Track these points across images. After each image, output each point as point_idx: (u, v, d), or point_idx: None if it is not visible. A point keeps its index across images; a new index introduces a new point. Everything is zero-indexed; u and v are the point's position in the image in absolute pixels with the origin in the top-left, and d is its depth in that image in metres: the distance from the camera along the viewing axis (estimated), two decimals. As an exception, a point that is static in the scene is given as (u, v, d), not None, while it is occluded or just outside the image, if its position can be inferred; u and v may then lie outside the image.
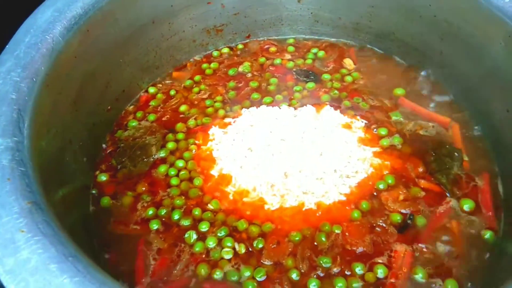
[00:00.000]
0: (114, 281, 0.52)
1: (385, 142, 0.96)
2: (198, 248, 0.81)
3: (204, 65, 1.20)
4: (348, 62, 1.16)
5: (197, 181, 0.92)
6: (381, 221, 0.84)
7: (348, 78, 1.12)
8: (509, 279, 0.57)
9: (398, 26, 1.11)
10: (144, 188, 0.92)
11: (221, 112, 1.06)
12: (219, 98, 1.10)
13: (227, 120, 1.04)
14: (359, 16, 1.17)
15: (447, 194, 0.87)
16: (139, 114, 1.07)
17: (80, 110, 0.91)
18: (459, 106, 1.02)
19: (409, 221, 0.83)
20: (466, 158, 0.92)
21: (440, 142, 0.95)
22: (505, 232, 0.82)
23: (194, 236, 0.83)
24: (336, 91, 1.09)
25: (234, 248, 0.82)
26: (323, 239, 0.81)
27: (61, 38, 0.83)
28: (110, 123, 1.05)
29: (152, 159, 0.97)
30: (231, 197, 0.89)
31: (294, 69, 1.16)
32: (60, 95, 0.83)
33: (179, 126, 1.03)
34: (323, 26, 1.23)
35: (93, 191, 0.93)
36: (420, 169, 0.91)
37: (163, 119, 1.07)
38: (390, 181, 0.89)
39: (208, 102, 1.09)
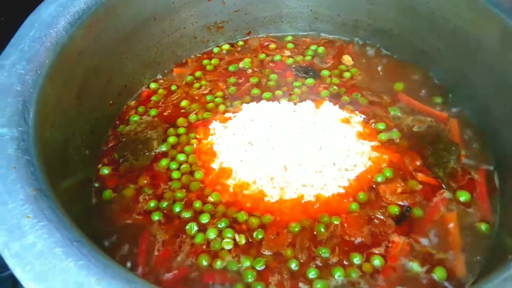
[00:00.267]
0: (118, 264, 0.53)
1: (383, 136, 0.97)
2: (198, 239, 0.83)
3: (205, 61, 1.21)
4: (347, 59, 1.17)
5: (198, 175, 0.94)
6: (379, 213, 0.85)
7: (347, 74, 1.13)
8: (503, 270, 0.57)
9: (396, 23, 1.12)
10: (145, 181, 0.93)
11: (222, 107, 1.07)
12: (219, 93, 1.12)
13: (227, 115, 1.05)
14: (358, 13, 1.18)
15: (444, 187, 0.88)
16: (140, 109, 1.09)
17: (83, 104, 0.92)
18: (456, 101, 1.04)
19: (406, 213, 0.84)
20: (463, 153, 0.94)
21: (437, 136, 0.96)
22: (500, 225, 0.83)
23: (195, 228, 0.85)
24: (335, 87, 1.10)
25: (234, 239, 0.83)
26: (322, 230, 0.83)
27: (64, 32, 0.85)
28: (112, 117, 1.07)
29: (153, 153, 0.99)
30: (231, 189, 0.91)
31: (293, 66, 1.17)
32: (63, 88, 0.84)
33: (180, 120, 1.05)
34: (322, 23, 1.24)
35: (96, 184, 0.94)
36: (418, 163, 0.92)
37: (164, 114, 1.08)
38: (388, 174, 0.90)
39: (208, 98, 1.10)
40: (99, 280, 0.50)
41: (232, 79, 1.15)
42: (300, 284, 0.77)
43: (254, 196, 0.89)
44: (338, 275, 0.77)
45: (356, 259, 0.79)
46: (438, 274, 0.76)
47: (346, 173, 0.91)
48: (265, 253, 0.81)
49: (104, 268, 0.51)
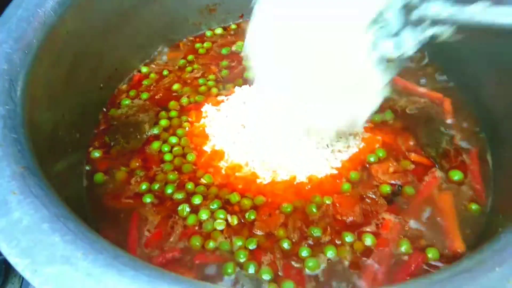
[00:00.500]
0: (105, 240, 0.53)
1: (377, 117, 0.96)
2: (191, 220, 0.82)
3: (197, 45, 1.20)
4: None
5: (190, 157, 0.93)
6: (371, 192, 0.85)
7: None
8: (494, 242, 0.57)
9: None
10: (137, 164, 0.93)
11: (214, 90, 1.07)
12: (212, 76, 1.11)
13: (220, 98, 1.04)
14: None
15: (436, 166, 0.88)
16: (132, 93, 1.08)
17: (73, 86, 0.91)
18: (450, 81, 1.03)
19: (397, 191, 0.84)
20: (456, 133, 0.93)
21: (431, 117, 0.96)
22: (492, 203, 0.83)
23: (187, 209, 0.84)
24: None
25: (226, 220, 0.82)
26: (314, 210, 0.82)
27: (53, 12, 0.83)
28: (103, 101, 1.06)
29: (145, 136, 0.98)
30: (223, 171, 0.90)
31: None
32: (52, 69, 0.83)
33: (172, 104, 1.04)
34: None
35: (87, 167, 0.93)
36: (411, 143, 0.92)
37: (156, 97, 1.07)
38: (381, 154, 0.90)
39: (201, 81, 1.10)
40: (86, 254, 0.49)
41: (224, 62, 1.14)
42: (293, 263, 0.77)
43: (246, 178, 0.89)
44: (331, 253, 0.77)
45: (348, 238, 0.78)
46: (431, 254, 0.76)
47: (339, 154, 0.90)
48: (258, 233, 0.81)
49: (91, 243, 0.51)
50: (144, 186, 0.89)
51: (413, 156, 0.90)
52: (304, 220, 0.82)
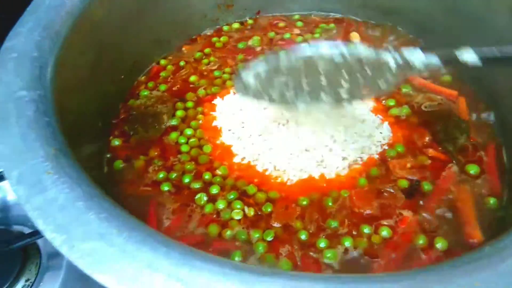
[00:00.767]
0: (138, 219, 0.54)
1: (394, 111, 0.98)
2: (208, 209, 0.84)
3: (214, 39, 1.22)
4: (355, 36, 1.18)
5: (206, 149, 0.94)
6: (389, 187, 0.86)
7: None
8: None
9: (405, 2, 1.13)
10: (156, 153, 0.95)
11: (229, 83, 1.08)
12: (228, 69, 1.12)
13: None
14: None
15: (453, 162, 0.89)
16: (150, 84, 1.10)
17: (97, 76, 0.93)
18: (465, 79, 1.04)
19: (415, 186, 0.85)
20: (472, 129, 0.94)
21: (447, 114, 0.97)
22: (509, 198, 0.84)
23: (204, 198, 0.86)
24: None
25: (243, 210, 0.84)
26: (330, 203, 0.83)
27: (79, 2, 0.86)
28: (123, 92, 1.08)
29: (163, 126, 1.00)
30: (235, 167, 0.91)
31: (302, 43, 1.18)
32: (79, 57, 0.85)
33: (189, 95, 1.06)
34: (331, 3, 1.25)
35: (108, 155, 0.95)
36: (427, 139, 0.93)
37: (174, 89, 1.09)
38: (400, 149, 0.91)
39: (216, 73, 1.11)
40: (120, 231, 0.51)
41: (240, 56, 1.16)
42: (311, 253, 0.78)
43: (261, 174, 0.89)
44: (348, 244, 0.78)
45: (366, 230, 0.79)
46: (440, 244, 0.77)
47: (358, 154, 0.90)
48: (275, 225, 0.82)
49: (124, 221, 0.53)
50: (161, 175, 0.90)
51: (430, 151, 0.91)
52: (321, 213, 0.83)
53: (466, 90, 1.02)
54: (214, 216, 0.84)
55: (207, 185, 0.88)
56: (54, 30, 0.79)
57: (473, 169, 0.87)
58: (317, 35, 1.20)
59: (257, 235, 0.80)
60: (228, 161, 0.92)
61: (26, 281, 0.86)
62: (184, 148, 0.95)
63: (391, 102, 1.00)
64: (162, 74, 1.13)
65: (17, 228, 0.94)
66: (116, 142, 0.97)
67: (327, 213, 0.83)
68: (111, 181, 0.90)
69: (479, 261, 0.51)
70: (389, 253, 0.77)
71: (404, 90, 1.03)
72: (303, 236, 0.79)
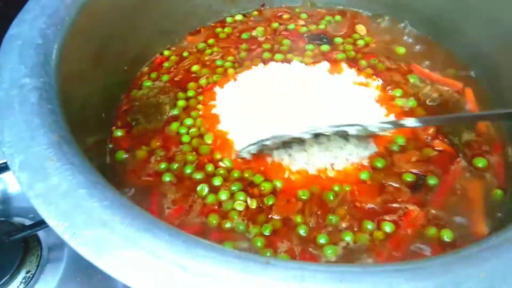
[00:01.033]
0: (140, 207, 0.54)
1: (399, 102, 0.97)
2: (210, 199, 0.84)
3: (218, 29, 1.21)
4: (360, 28, 1.17)
5: (208, 139, 0.94)
6: (392, 181, 0.85)
7: (361, 42, 1.14)
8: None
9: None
10: (158, 144, 0.94)
11: (231, 71, 1.08)
12: (230, 58, 1.12)
13: (236, 77, 1.05)
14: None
15: (460, 156, 0.88)
16: (153, 75, 1.09)
17: (101, 66, 0.93)
18: (471, 72, 1.03)
19: (420, 181, 0.84)
20: (479, 122, 0.93)
21: (454, 106, 0.96)
22: (512, 194, 0.83)
23: (206, 189, 0.85)
24: (352, 52, 1.10)
25: (246, 202, 0.83)
26: (331, 197, 0.82)
27: (84, -9, 0.85)
28: (126, 83, 1.07)
29: (166, 117, 0.99)
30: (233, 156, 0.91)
31: (306, 34, 1.18)
32: (83, 47, 0.85)
33: (191, 85, 1.05)
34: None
35: (110, 146, 0.95)
36: (430, 130, 0.91)
37: (176, 79, 1.08)
38: (400, 141, 0.90)
39: (219, 62, 1.11)
40: (123, 219, 0.50)
41: (244, 45, 1.15)
42: (310, 249, 0.77)
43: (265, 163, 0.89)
44: (348, 238, 0.77)
45: (369, 226, 0.78)
46: (446, 236, 0.77)
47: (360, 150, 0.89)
48: (275, 217, 0.81)
49: (127, 209, 0.52)
50: (163, 165, 0.90)
51: (436, 142, 0.90)
52: (322, 207, 0.82)
53: (472, 83, 1.01)
54: (216, 207, 0.83)
55: (209, 177, 0.88)
56: (58, 18, 0.78)
57: (480, 162, 0.86)
58: (322, 26, 1.20)
59: (255, 230, 0.79)
60: (229, 151, 0.92)
61: (27, 272, 0.86)
62: (185, 139, 0.94)
63: (398, 93, 0.99)
64: (165, 64, 1.12)
65: (18, 220, 0.93)
66: (119, 133, 0.97)
67: (328, 208, 0.82)
68: (113, 171, 0.90)
69: (485, 252, 0.51)
70: (392, 249, 0.76)
71: (412, 80, 1.02)
72: (302, 231, 0.78)
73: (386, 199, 0.82)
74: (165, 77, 1.08)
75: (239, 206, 0.83)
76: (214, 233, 0.80)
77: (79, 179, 0.54)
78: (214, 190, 0.86)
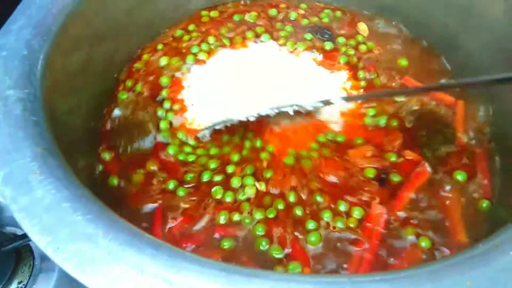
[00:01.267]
0: (125, 220, 0.54)
1: (368, 120, 0.94)
2: (221, 196, 0.83)
3: (204, 12, 1.16)
4: (363, 28, 1.13)
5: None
6: (357, 174, 0.86)
7: (363, 47, 1.09)
8: (501, 233, 0.57)
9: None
10: (155, 167, 0.88)
11: (203, 55, 1.04)
12: (211, 38, 1.08)
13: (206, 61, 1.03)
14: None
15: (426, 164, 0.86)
16: (128, 83, 1.01)
17: (88, 74, 0.91)
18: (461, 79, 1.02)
19: (383, 176, 0.84)
20: (463, 135, 0.91)
21: (436, 119, 0.94)
22: (498, 201, 0.82)
23: (221, 191, 0.84)
24: (354, 58, 1.06)
25: (255, 186, 0.84)
26: (309, 164, 0.87)
27: (71, 0, 0.85)
28: (114, 91, 1.03)
29: (152, 139, 0.92)
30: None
31: (309, 25, 1.13)
32: (70, 56, 0.84)
33: (164, 92, 0.99)
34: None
35: (100, 167, 0.89)
36: (397, 142, 0.90)
37: (145, 85, 1.02)
38: (359, 141, 0.91)
39: (194, 49, 1.05)
40: (106, 233, 0.50)
41: (229, 25, 1.11)
42: (297, 234, 0.78)
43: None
44: (327, 217, 0.79)
45: (342, 207, 0.80)
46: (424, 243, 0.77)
47: None
48: (272, 191, 0.83)
49: (111, 223, 0.52)
50: (172, 185, 0.84)
51: (407, 152, 0.88)
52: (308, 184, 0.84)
53: (462, 93, 0.98)
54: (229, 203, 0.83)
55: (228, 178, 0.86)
56: (45, 28, 0.78)
57: (460, 175, 0.84)
58: (325, 20, 1.16)
59: (260, 214, 0.80)
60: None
61: (19, 283, 0.85)
62: (191, 158, 0.90)
63: (371, 112, 0.96)
64: (136, 65, 1.05)
65: (9, 229, 0.92)
66: (107, 156, 0.90)
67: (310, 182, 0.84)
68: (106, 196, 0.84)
69: (471, 260, 0.51)
70: (368, 240, 0.77)
71: (398, 100, 0.97)
72: (298, 212, 0.80)
73: (355, 182, 0.84)
74: (138, 87, 1.01)
75: (250, 189, 0.83)
76: (216, 228, 0.79)
77: (63, 193, 0.54)
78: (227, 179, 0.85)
